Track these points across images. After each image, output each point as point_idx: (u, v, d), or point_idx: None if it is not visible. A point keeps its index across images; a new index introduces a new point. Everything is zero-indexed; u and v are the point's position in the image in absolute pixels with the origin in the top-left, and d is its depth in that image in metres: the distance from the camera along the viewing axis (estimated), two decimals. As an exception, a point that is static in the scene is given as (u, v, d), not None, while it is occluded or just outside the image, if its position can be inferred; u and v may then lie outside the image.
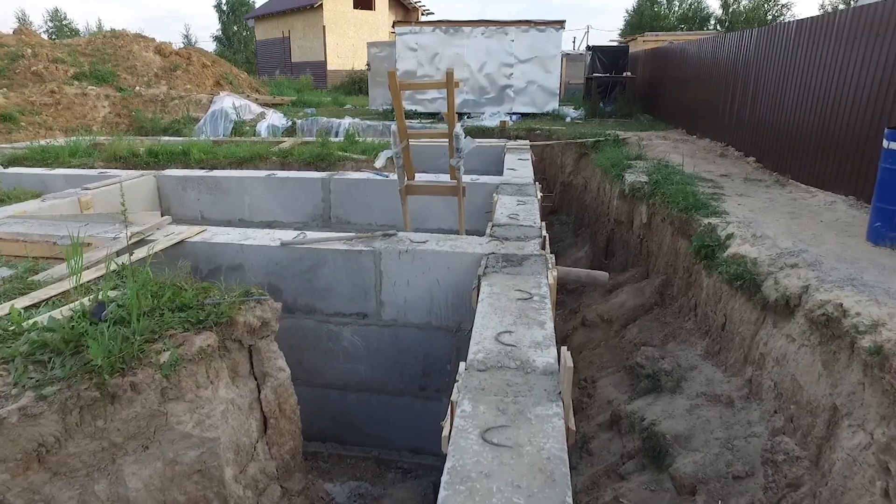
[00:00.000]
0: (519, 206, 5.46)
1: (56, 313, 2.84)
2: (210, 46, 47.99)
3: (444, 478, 1.83)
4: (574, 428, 2.19)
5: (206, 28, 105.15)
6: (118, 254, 4.51)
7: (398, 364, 4.53)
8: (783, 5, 39.24)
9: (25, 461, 2.14)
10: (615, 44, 25.05)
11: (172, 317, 2.93)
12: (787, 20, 7.47)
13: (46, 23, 53.18)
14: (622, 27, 44.93)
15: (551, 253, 4.29)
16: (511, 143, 9.70)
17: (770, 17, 38.15)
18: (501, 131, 12.02)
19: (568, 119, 13.61)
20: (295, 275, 4.37)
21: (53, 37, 44.36)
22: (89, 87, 14.46)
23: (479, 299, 3.24)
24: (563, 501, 1.71)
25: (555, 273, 3.74)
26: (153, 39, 17.34)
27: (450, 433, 2.09)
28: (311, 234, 4.50)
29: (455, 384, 2.38)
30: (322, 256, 4.28)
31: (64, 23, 52.97)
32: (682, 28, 37.67)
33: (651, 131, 11.18)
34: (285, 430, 3.39)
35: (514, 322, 2.91)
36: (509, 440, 1.99)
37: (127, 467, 2.43)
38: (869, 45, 5.15)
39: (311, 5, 29.62)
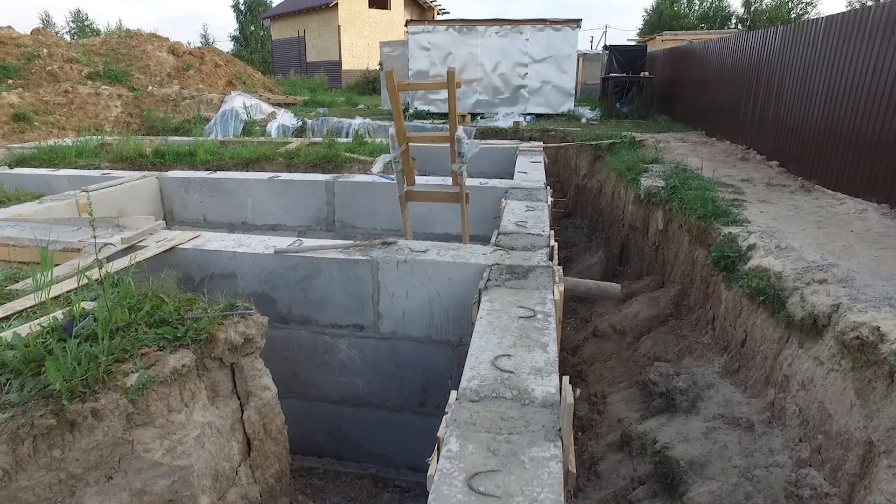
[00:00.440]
0: (528, 212, 5.21)
1: (24, 328, 2.66)
2: (228, 46, 48.35)
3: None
4: (574, 471, 1.95)
5: (224, 28, 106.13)
6: (108, 260, 4.35)
7: (397, 378, 4.31)
8: (807, 3, 38.32)
9: (-29, 496, 1.96)
10: (633, 43, 24.60)
11: (148, 333, 2.74)
12: (811, 18, 7.11)
13: (68, 24, 54.06)
14: (640, 27, 44.32)
15: (561, 262, 4.05)
16: (524, 145, 9.42)
17: (794, 16, 37.27)
18: (515, 132, 11.75)
19: (583, 120, 13.29)
20: (289, 284, 4.17)
21: (75, 37, 44.98)
22: (102, 87, 14.48)
23: (478, 316, 3.00)
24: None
25: (562, 287, 3.49)
26: (167, 39, 17.35)
27: (435, 473, 1.87)
28: (307, 242, 4.30)
29: (444, 416, 2.15)
30: (317, 265, 4.08)
31: (86, 23, 53.75)
32: (702, 27, 36.96)
33: (669, 133, 10.83)
34: (270, 453, 3.19)
35: (514, 344, 2.67)
36: (498, 488, 1.76)
37: (88, 500, 2.23)
38: (905, 42, 4.81)
39: (327, 5, 29.58)
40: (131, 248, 4.31)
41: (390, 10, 32.15)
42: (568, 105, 14.17)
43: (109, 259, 4.42)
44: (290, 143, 9.80)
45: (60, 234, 4.62)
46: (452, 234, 6.31)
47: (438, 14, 34.18)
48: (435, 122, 13.17)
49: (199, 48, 18.63)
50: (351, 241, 4.24)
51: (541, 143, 9.78)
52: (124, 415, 2.28)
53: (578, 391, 3.11)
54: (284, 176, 7.02)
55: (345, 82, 28.67)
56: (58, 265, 4.09)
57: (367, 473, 4.56)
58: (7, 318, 2.94)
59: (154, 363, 2.52)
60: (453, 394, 2.25)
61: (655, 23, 40.07)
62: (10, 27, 15.88)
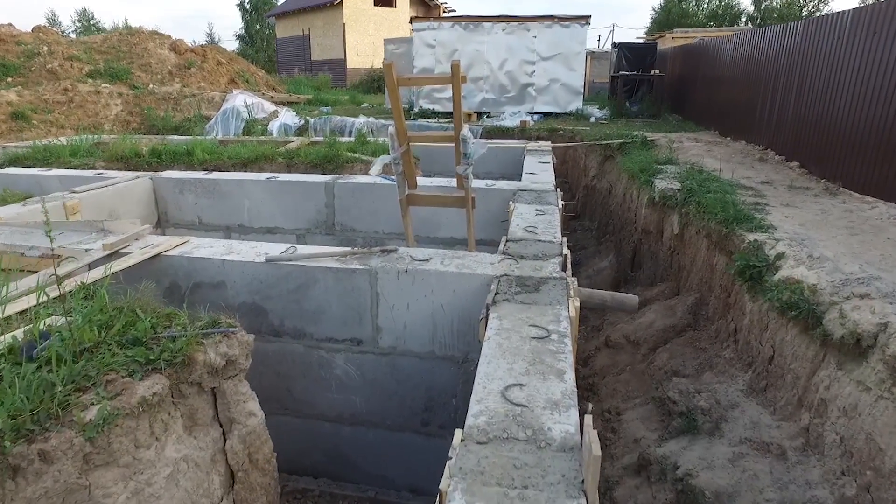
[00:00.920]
0: (538, 216, 4.89)
1: (-22, 350, 2.38)
2: (233, 45, 48.17)
3: None
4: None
5: (231, 27, 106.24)
6: (90, 267, 4.08)
7: (397, 396, 4.01)
8: (819, 0, 37.71)
9: None
10: (641, 41, 24.20)
11: (118, 355, 2.45)
12: (823, 14, 6.73)
13: (74, 23, 54.00)
14: (648, 25, 43.83)
15: (574, 272, 3.74)
16: (531, 145, 9.10)
17: (805, 14, 36.70)
18: (522, 131, 11.43)
19: (592, 119, 12.95)
20: (282, 294, 3.88)
21: (80, 36, 44.89)
22: (103, 85, 14.25)
23: (486, 336, 2.70)
24: None
25: (577, 302, 3.18)
26: (168, 37, 17.11)
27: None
28: (301, 249, 4.00)
29: (448, 462, 1.84)
30: (311, 275, 3.78)
31: (91, 22, 53.66)
32: (710, 25, 36.43)
33: (681, 132, 10.49)
34: (257, 484, 2.90)
35: (527, 371, 2.37)
36: (512, 562, 1.45)
37: (38, 554, 1.95)
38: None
39: (332, 2, 29.28)
40: (114, 255, 4.03)
41: (395, 8, 31.81)
42: (576, 104, 13.83)
43: (91, 266, 4.15)
44: (290, 142, 9.52)
45: (41, 239, 4.34)
46: (458, 238, 6.00)
47: (444, 11, 33.81)
48: (440, 121, 12.82)
49: (201, 46, 18.39)
50: (348, 249, 3.94)
51: (549, 143, 9.46)
52: (80, 455, 1.99)
53: (591, 406, 2.81)
54: (283, 177, 6.73)
55: (349, 81, 28.38)
56: (34, 272, 3.82)
57: (366, 496, 4.27)
58: (-36, 337, 2.65)
59: (120, 392, 2.23)
60: (458, 434, 1.95)
61: (663, 21, 39.58)
62: (10, 25, 15.68)
